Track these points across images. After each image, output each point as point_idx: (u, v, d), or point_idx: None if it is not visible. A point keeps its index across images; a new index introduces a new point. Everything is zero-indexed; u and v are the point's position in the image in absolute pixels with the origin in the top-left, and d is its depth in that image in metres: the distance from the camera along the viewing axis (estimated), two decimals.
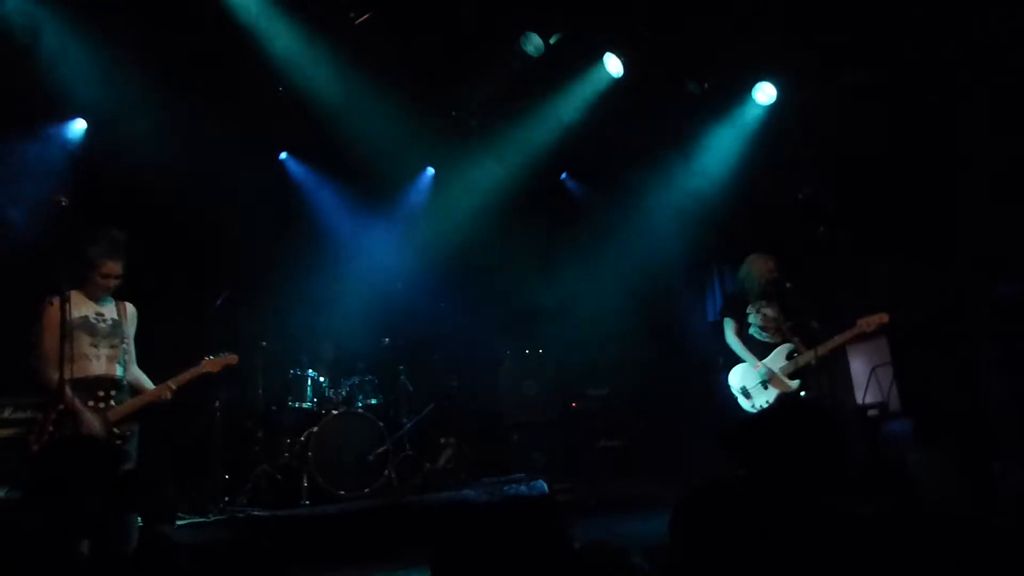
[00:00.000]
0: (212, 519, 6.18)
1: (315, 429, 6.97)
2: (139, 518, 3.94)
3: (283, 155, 8.77)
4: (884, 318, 5.63)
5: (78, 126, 7.18)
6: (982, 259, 6.78)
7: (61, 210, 4.31)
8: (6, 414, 5.12)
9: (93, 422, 4.39)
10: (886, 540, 2.27)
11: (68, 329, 4.25)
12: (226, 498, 6.60)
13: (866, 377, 7.63)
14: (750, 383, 5.95)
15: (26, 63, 6.18)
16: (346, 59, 7.33)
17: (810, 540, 2.25)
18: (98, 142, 7.11)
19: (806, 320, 5.76)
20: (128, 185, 6.86)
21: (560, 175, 9.80)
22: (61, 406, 4.21)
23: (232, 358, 5.09)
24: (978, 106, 6.56)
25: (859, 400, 7.67)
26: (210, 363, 4.95)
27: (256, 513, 6.33)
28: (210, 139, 7.26)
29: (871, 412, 7.49)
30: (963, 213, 6.92)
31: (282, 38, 6.98)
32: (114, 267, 4.61)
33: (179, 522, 5.90)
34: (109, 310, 4.71)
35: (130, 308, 4.87)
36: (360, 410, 7.44)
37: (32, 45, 6.11)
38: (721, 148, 8.53)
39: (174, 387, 4.75)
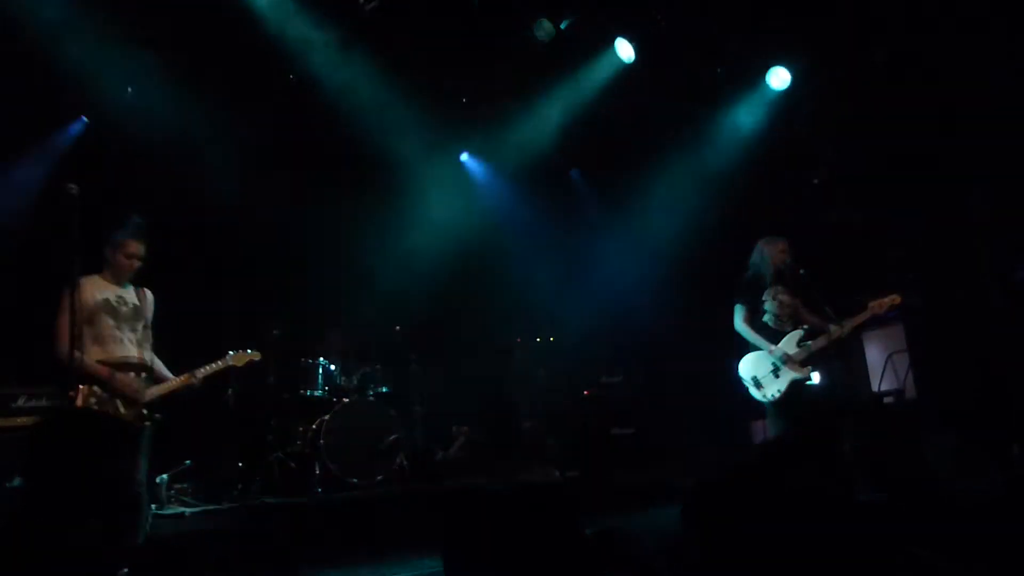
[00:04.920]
0: (225, 507, 6.21)
1: (327, 417, 6.96)
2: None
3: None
4: (896, 299, 5.48)
5: (86, 117, 7.20)
6: (1000, 244, 6.71)
7: (71, 199, 4.28)
8: (20, 402, 5.16)
9: (134, 391, 4.42)
10: (904, 526, 2.23)
11: (88, 312, 4.36)
12: (239, 486, 6.62)
13: (882, 364, 7.58)
14: (761, 372, 5.74)
15: (37, 55, 6.18)
16: (357, 46, 7.28)
17: (821, 529, 2.21)
18: (108, 132, 7.10)
19: (820, 305, 5.63)
20: (135, 175, 6.86)
21: (570, 161, 9.72)
22: (99, 387, 4.29)
23: (256, 355, 5.15)
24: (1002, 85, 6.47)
25: (875, 387, 7.62)
26: (235, 357, 5.02)
27: (269, 501, 6.36)
28: (220, 130, 7.25)
29: (887, 399, 7.43)
30: (981, 198, 6.84)
31: (293, 25, 6.95)
32: (138, 248, 4.68)
33: (191, 510, 5.95)
34: (129, 295, 4.72)
35: (148, 293, 4.87)
36: (372, 398, 7.44)
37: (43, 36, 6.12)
38: (734, 133, 8.44)
39: (201, 376, 4.75)
